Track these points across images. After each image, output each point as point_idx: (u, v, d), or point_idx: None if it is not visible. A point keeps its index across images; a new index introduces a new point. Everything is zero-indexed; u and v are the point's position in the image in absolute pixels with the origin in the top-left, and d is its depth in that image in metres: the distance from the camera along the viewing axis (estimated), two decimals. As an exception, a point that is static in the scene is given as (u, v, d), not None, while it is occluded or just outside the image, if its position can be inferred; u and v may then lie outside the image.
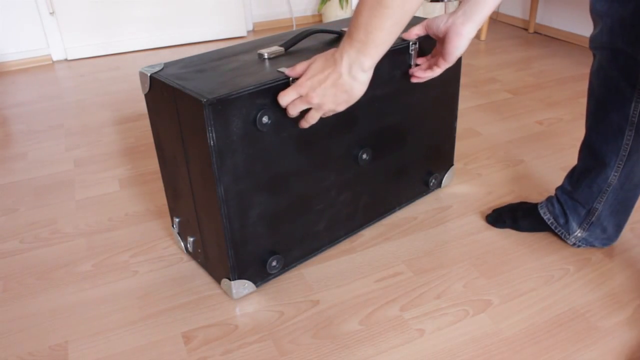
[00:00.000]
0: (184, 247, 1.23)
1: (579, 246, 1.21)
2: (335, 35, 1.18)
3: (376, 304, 1.10)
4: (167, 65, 1.05)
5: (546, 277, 1.15)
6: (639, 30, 0.91)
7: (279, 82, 0.95)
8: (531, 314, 1.06)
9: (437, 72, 1.07)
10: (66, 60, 2.74)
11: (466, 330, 1.02)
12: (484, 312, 1.06)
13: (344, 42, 0.83)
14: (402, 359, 0.97)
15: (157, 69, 1.03)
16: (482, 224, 1.32)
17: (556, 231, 1.22)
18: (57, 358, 1.00)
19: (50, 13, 2.60)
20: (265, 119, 0.96)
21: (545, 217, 1.23)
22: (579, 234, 1.19)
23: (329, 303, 1.10)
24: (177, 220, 1.20)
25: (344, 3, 2.97)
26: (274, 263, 1.12)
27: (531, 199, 1.41)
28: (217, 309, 1.10)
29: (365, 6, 0.78)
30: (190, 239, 1.17)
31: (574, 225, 1.19)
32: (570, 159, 1.60)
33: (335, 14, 3.02)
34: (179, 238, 1.23)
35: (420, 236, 1.29)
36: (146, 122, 1.98)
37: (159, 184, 1.56)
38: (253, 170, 0.99)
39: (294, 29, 0.99)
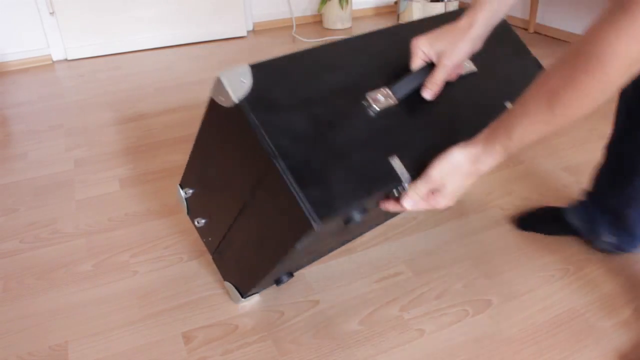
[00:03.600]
0: (190, 220, 1.11)
1: (609, 251, 1.19)
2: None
3: (376, 304, 1.10)
4: (256, 73, 0.74)
5: (546, 277, 1.15)
6: None
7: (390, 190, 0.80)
8: (531, 314, 1.06)
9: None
10: (66, 60, 2.74)
11: (466, 330, 1.02)
12: (484, 312, 1.06)
13: (494, 152, 0.75)
14: (402, 359, 0.97)
15: (245, 88, 0.72)
16: (482, 223, 1.32)
17: (585, 236, 1.20)
18: (57, 358, 1.00)
19: (50, 13, 2.60)
20: (357, 217, 0.80)
21: (573, 223, 1.20)
22: (609, 240, 1.16)
23: (329, 303, 1.10)
24: (200, 219, 1.09)
25: (344, 3, 2.97)
26: (284, 279, 1.10)
27: (531, 199, 1.41)
28: (217, 309, 1.10)
29: (531, 125, 0.70)
30: (209, 239, 1.09)
31: (603, 230, 1.15)
32: (571, 159, 1.60)
33: (335, 14, 3.02)
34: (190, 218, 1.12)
35: (420, 236, 1.29)
36: (146, 122, 1.98)
37: (159, 184, 1.56)
38: None
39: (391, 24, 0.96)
